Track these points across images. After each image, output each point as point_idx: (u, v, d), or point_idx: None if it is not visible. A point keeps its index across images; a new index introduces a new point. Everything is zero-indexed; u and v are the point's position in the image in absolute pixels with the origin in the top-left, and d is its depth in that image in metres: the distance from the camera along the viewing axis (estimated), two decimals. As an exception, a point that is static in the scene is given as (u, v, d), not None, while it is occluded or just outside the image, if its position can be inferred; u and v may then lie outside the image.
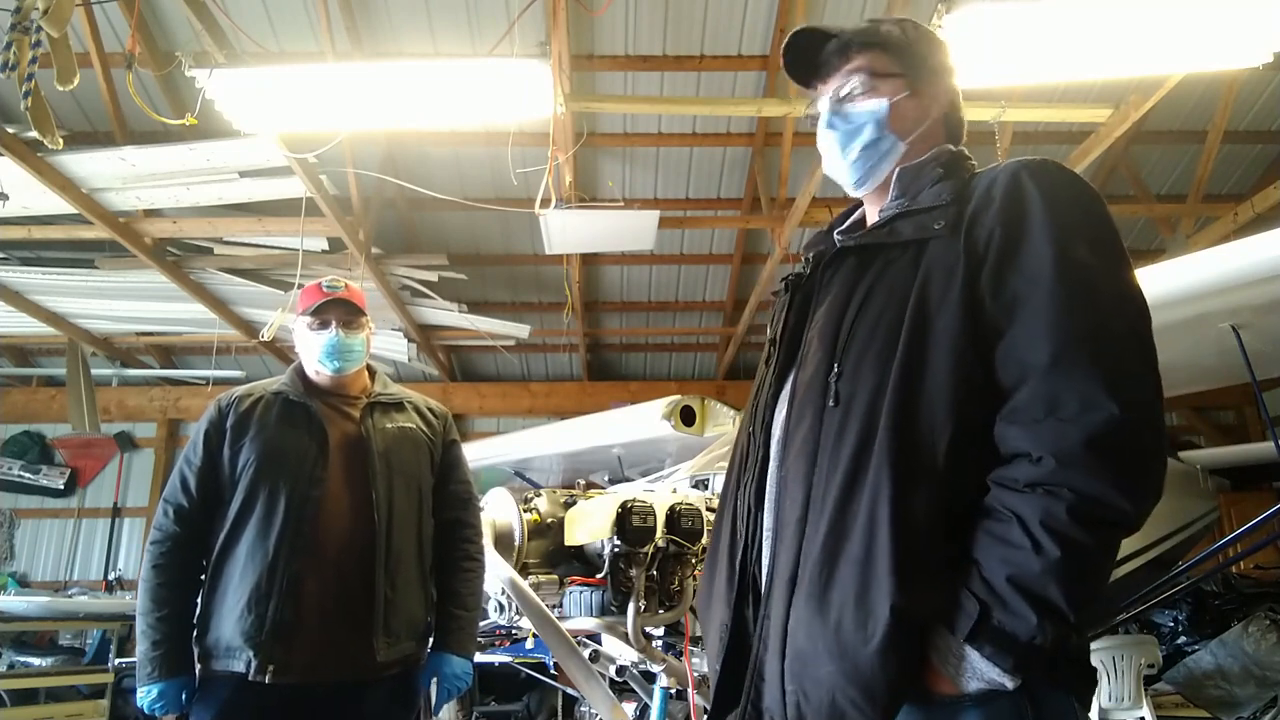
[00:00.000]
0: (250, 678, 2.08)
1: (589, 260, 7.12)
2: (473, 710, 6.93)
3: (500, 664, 5.39)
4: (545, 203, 4.65)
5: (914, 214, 1.26)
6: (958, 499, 1.11)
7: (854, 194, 1.42)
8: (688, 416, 4.13)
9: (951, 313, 1.14)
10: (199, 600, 2.25)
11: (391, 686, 2.26)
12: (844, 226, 1.46)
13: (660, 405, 4.17)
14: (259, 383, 2.46)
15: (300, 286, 5.83)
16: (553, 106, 3.94)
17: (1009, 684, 1.04)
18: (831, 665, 1.08)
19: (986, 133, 4.85)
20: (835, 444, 1.15)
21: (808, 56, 1.40)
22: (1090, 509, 1.02)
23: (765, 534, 1.25)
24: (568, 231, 5.29)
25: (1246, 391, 4.95)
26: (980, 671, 1.05)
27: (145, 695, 2.14)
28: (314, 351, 2.40)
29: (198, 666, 2.20)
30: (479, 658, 5.14)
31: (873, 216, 1.41)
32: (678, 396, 4.22)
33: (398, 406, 2.48)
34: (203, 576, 2.26)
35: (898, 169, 1.35)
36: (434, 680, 2.36)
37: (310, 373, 2.46)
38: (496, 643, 4.88)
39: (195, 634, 2.21)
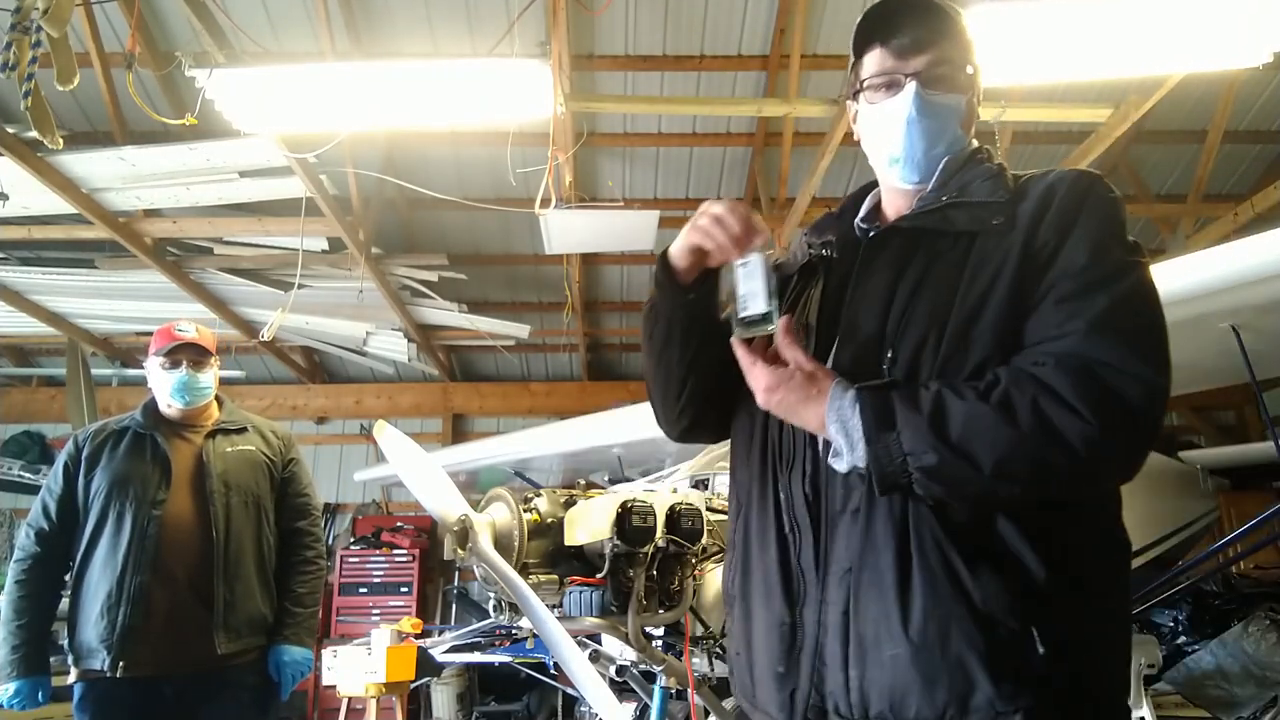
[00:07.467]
0: (106, 674, 2.43)
1: (589, 260, 7.12)
2: (473, 710, 6.92)
3: (500, 664, 5.39)
4: (545, 203, 4.65)
5: (968, 205, 1.25)
6: None
7: (902, 186, 1.35)
8: (688, 416, 4.11)
9: (998, 308, 1.16)
10: (68, 609, 2.58)
11: (242, 674, 2.60)
12: (862, 215, 1.41)
13: (660, 405, 4.15)
14: (112, 419, 2.77)
15: (301, 286, 5.90)
16: (553, 106, 3.94)
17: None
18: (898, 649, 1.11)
19: (986, 133, 4.85)
20: None
21: (895, 20, 1.30)
22: None
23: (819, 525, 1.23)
24: (568, 231, 5.28)
25: (1246, 391, 4.95)
26: None
27: (4, 692, 2.47)
28: (165, 388, 2.70)
29: (72, 670, 2.52)
30: (479, 658, 5.16)
31: (897, 207, 1.37)
32: (678, 396, 4.20)
33: (240, 431, 2.81)
34: (64, 591, 2.65)
35: (945, 161, 1.32)
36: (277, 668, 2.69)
37: (162, 406, 2.75)
38: (496, 643, 4.88)
39: (67, 639, 2.55)
